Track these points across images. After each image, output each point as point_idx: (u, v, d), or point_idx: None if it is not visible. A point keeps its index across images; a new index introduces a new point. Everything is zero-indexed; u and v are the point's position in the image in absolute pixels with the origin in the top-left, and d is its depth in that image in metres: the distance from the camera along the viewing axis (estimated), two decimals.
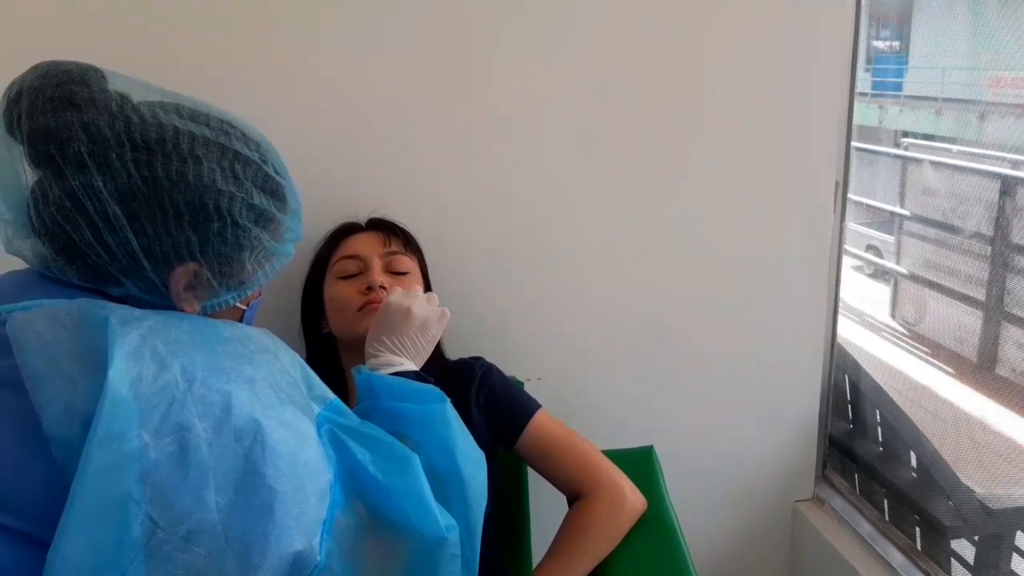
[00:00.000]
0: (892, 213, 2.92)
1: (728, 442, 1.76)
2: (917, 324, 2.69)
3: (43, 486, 0.65)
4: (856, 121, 1.68)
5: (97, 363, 0.65)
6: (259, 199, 0.81)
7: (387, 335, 1.05)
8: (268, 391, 0.74)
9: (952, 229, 2.39)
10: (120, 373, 0.64)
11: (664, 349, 1.66)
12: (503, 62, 1.43)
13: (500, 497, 1.29)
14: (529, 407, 1.25)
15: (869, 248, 3.67)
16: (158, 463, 0.64)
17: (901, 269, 2.92)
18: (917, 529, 1.69)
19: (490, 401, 1.25)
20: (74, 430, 0.64)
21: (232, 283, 0.83)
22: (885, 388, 1.88)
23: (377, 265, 1.25)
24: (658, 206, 1.57)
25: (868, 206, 3.21)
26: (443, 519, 0.81)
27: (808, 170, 1.63)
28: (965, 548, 1.71)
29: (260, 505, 0.68)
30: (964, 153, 2.44)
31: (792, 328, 1.72)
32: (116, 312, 0.70)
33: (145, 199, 0.74)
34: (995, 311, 2.13)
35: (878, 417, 1.89)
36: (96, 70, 0.76)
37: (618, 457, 1.25)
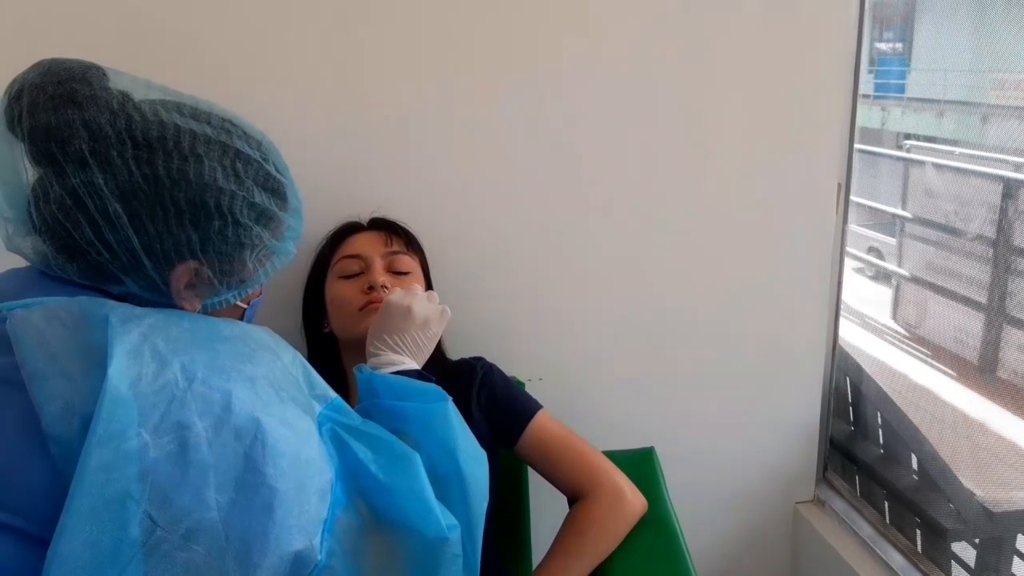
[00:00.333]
0: (894, 215, 2.92)
1: (729, 443, 1.76)
2: (918, 326, 2.69)
3: (43, 485, 0.65)
4: (859, 123, 1.68)
5: (97, 361, 0.65)
6: (260, 197, 0.81)
7: (388, 334, 1.05)
8: (269, 390, 0.74)
9: (954, 231, 2.38)
10: (120, 371, 0.64)
11: (665, 350, 1.66)
12: (505, 62, 1.43)
13: (501, 497, 1.29)
14: (530, 408, 1.25)
15: (871, 250, 3.67)
16: (158, 462, 0.64)
17: (903, 271, 2.91)
18: (918, 531, 1.69)
19: (491, 401, 1.25)
20: (73, 428, 0.64)
21: (233, 281, 0.84)
22: (886, 390, 1.88)
23: (378, 265, 1.25)
24: (660, 207, 1.57)
25: (870, 208, 3.20)
26: (444, 519, 0.81)
27: (810, 172, 1.63)
28: (966, 551, 1.71)
29: (260, 504, 0.68)
30: (966, 155, 2.43)
31: (793, 330, 1.72)
32: (116, 310, 0.71)
33: (146, 197, 0.74)
34: (996, 314, 2.13)
35: (879, 419, 1.89)
36: (97, 68, 0.76)
37: (619, 458, 1.24)
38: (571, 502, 1.22)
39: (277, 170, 0.84)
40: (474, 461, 0.90)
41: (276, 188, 0.84)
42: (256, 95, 1.30)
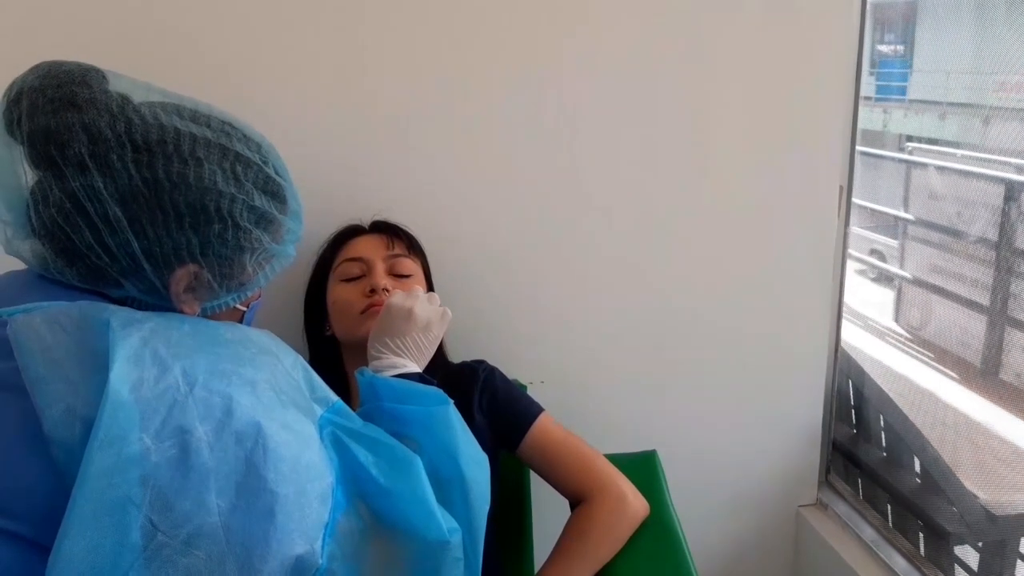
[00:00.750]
0: (896, 217, 2.92)
1: (731, 446, 1.76)
2: (921, 329, 2.68)
3: (44, 490, 0.65)
4: (860, 125, 1.68)
5: (98, 366, 0.65)
6: (260, 201, 0.81)
7: (389, 336, 1.05)
8: (270, 393, 0.74)
9: (956, 234, 2.38)
10: (121, 376, 0.64)
11: (667, 353, 1.66)
12: (506, 64, 1.43)
13: (503, 501, 1.29)
14: (532, 411, 1.25)
15: (873, 252, 3.67)
16: (159, 466, 0.63)
17: (905, 274, 2.91)
18: (920, 535, 1.69)
19: (492, 405, 1.25)
20: (75, 433, 0.64)
21: (232, 285, 0.83)
22: (889, 393, 1.88)
23: (380, 268, 1.25)
24: (662, 210, 1.57)
25: (872, 210, 3.20)
26: (445, 522, 0.81)
27: (812, 174, 1.62)
28: (969, 554, 1.71)
29: (261, 508, 0.67)
30: (968, 157, 2.43)
31: (795, 332, 1.72)
32: (117, 314, 0.70)
33: (146, 201, 0.74)
34: (999, 316, 2.13)
35: (882, 422, 1.88)
36: (97, 71, 0.76)
37: (621, 461, 1.24)
38: (573, 505, 1.22)
39: (277, 173, 0.84)
40: (475, 464, 0.90)
41: (276, 191, 0.84)
42: (257, 98, 1.30)
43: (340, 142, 1.39)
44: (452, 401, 0.93)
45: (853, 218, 1.74)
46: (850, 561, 1.68)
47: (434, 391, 0.94)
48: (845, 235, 1.72)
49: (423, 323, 1.07)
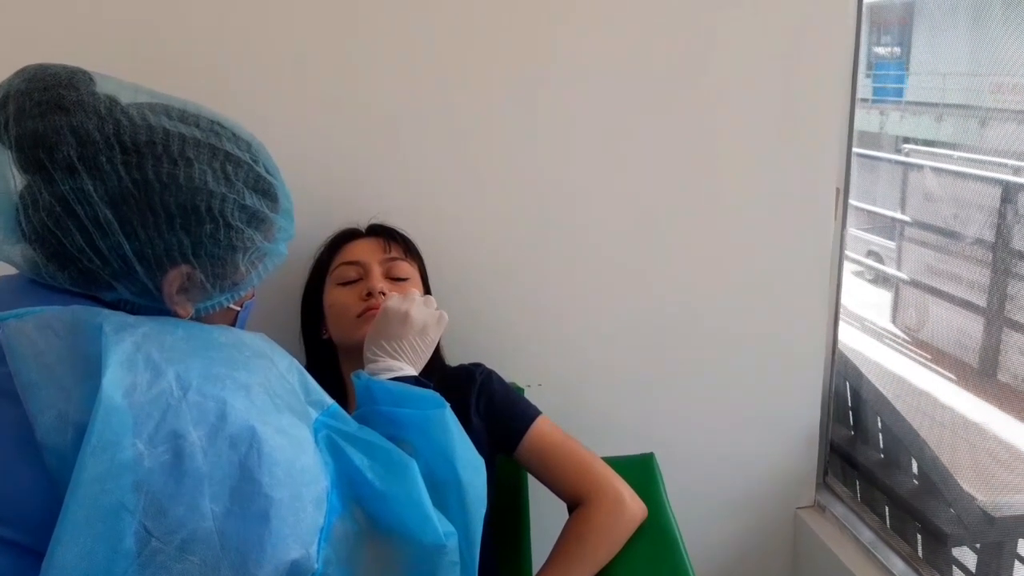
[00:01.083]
0: (893, 219, 2.92)
1: (729, 449, 1.76)
2: (918, 330, 2.68)
3: (37, 496, 0.65)
4: (857, 127, 1.68)
5: (90, 371, 0.65)
6: (251, 200, 0.81)
7: (386, 340, 1.05)
8: (264, 397, 0.73)
9: (953, 235, 2.38)
10: (114, 381, 0.64)
11: (664, 355, 1.66)
12: (503, 67, 1.43)
13: (500, 504, 1.28)
14: (529, 414, 1.25)
15: (870, 254, 3.67)
16: (152, 472, 0.63)
17: (902, 275, 2.91)
18: (918, 536, 1.69)
19: (490, 408, 1.25)
20: (67, 439, 0.63)
21: (225, 284, 0.83)
22: (886, 394, 1.88)
23: (377, 271, 1.25)
24: (660, 213, 1.57)
25: (869, 212, 3.20)
26: (441, 526, 0.81)
27: (809, 176, 1.63)
28: (967, 556, 1.71)
29: (256, 513, 0.67)
30: (965, 159, 2.43)
31: (793, 334, 1.72)
32: (110, 319, 0.70)
33: (136, 202, 0.74)
34: (997, 317, 2.13)
35: (879, 424, 1.88)
36: (84, 73, 0.76)
37: (618, 464, 1.24)
38: (571, 508, 1.21)
39: (267, 171, 0.83)
40: (472, 468, 0.90)
41: (267, 190, 0.83)
42: (254, 102, 1.30)
43: (337, 145, 1.39)
44: (448, 404, 0.93)
45: (850, 220, 1.74)
46: (848, 563, 1.68)
47: (430, 394, 0.94)
48: (842, 237, 1.72)
49: (419, 326, 1.07)
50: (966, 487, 1.70)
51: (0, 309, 0.73)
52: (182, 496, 0.64)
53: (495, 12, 1.40)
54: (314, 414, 0.81)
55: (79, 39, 1.25)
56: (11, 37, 1.25)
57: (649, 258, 1.59)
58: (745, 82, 1.54)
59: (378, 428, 0.87)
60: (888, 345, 2.70)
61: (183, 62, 1.29)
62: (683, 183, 1.56)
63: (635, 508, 1.19)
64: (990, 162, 2.17)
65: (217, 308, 0.85)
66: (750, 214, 1.61)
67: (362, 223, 1.36)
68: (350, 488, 0.78)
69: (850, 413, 1.93)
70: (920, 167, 2.78)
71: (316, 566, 0.71)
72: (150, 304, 0.79)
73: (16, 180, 0.74)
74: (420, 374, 1.06)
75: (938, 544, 1.65)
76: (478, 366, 1.31)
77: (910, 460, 1.81)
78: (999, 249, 2.08)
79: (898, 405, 1.86)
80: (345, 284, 1.25)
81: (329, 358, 1.31)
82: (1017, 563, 1.72)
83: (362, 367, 1.05)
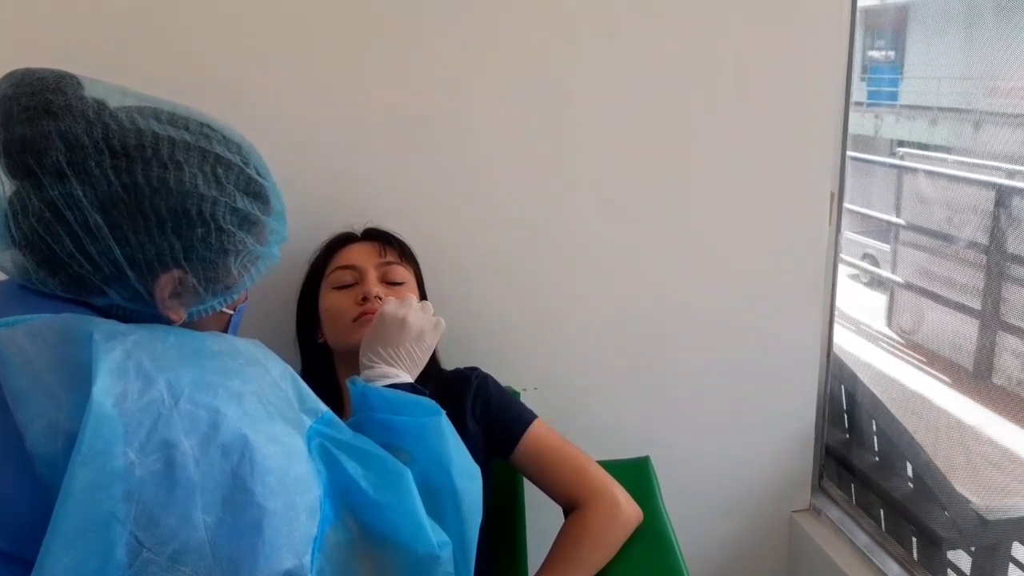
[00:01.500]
0: (888, 222, 2.92)
1: (724, 452, 1.76)
2: (913, 333, 2.69)
3: (27, 505, 0.64)
4: (852, 131, 1.69)
5: (81, 379, 0.64)
6: (242, 202, 0.80)
7: (382, 346, 1.04)
8: (257, 405, 0.73)
9: (948, 238, 2.39)
10: (104, 389, 0.63)
11: (660, 359, 1.66)
12: (498, 69, 1.43)
13: (496, 508, 1.28)
14: (525, 417, 1.25)
15: (865, 257, 3.68)
16: (143, 481, 0.62)
17: (897, 278, 2.92)
18: (913, 540, 1.69)
19: (486, 411, 1.25)
20: (57, 447, 0.63)
21: (218, 288, 0.82)
22: (881, 398, 1.88)
23: (372, 275, 1.25)
24: (654, 216, 1.57)
25: (864, 215, 3.21)
26: (435, 536, 0.80)
27: (804, 180, 1.63)
28: (961, 559, 1.71)
29: (249, 523, 0.66)
30: (959, 162, 2.44)
31: (788, 338, 1.72)
32: (101, 327, 0.69)
33: (126, 207, 0.73)
34: (991, 320, 2.14)
35: (874, 427, 1.89)
36: (71, 77, 0.75)
37: (614, 468, 1.24)
38: (566, 512, 1.21)
39: (258, 174, 0.83)
40: (468, 477, 0.89)
41: (258, 192, 0.82)
42: (249, 106, 1.30)
43: (332, 149, 1.39)
44: (445, 412, 0.93)
45: (845, 223, 1.75)
46: (843, 566, 1.68)
47: (427, 402, 0.94)
48: (837, 241, 1.72)
49: (416, 332, 1.06)
50: (961, 490, 1.70)
51: None
52: (174, 506, 0.63)
53: (492, 16, 1.40)
54: (308, 422, 0.80)
55: (65, 42, 1.24)
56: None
57: (645, 262, 1.59)
58: (739, 86, 1.54)
59: (374, 435, 0.86)
60: (883, 348, 2.71)
61: (174, 64, 1.28)
62: (678, 186, 1.56)
63: (631, 512, 1.19)
64: (984, 165, 2.18)
65: (210, 312, 0.84)
66: (745, 217, 1.61)
67: (358, 227, 1.36)
68: (343, 497, 0.77)
69: (845, 416, 1.93)
70: (914, 170, 2.79)
71: None
72: (142, 309, 0.78)
73: (5, 186, 0.74)
74: (416, 379, 1.06)
75: (933, 547, 1.65)
76: (474, 370, 1.31)
77: (905, 463, 1.81)
78: (993, 252, 2.09)
79: (893, 408, 1.87)
80: (340, 288, 1.25)
81: (324, 362, 1.31)
82: (1012, 566, 1.73)
83: (358, 371, 1.05)
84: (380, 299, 1.21)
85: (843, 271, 1.80)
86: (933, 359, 2.45)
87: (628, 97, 1.49)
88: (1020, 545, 1.73)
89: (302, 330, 1.34)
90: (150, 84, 0.84)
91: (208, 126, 0.80)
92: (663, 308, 1.63)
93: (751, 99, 1.55)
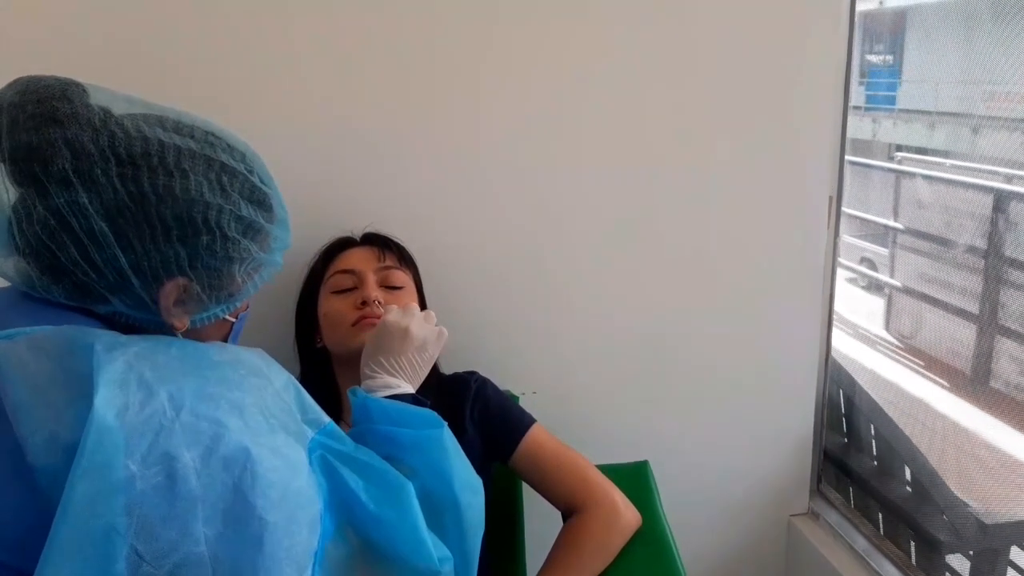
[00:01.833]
0: (886, 226, 2.92)
1: (723, 456, 1.76)
2: (911, 337, 2.69)
3: (19, 513, 0.64)
4: (850, 135, 1.69)
5: (82, 391, 0.64)
6: (247, 210, 0.80)
7: (384, 356, 1.04)
8: (259, 417, 0.72)
9: (946, 242, 2.39)
10: (106, 401, 0.63)
11: (659, 363, 1.66)
12: (496, 74, 1.43)
13: (494, 512, 1.28)
14: (524, 422, 1.25)
15: (863, 260, 3.68)
16: (145, 494, 0.62)
17: (895, 282, 2.91)
18: (912, 544, 1.69)
19: (484, 416, 1.25)
20: (58, 459, 0.62)
21: (222, 296, 0.82)
22: (879, 402, 1.88)
23: (371, 280, 1.25)
24: (653, 220, 1.57)
25: (862, 219, 3.21)
26: (436, 551, 0.80)
27: (802, 184, 1.63)
28: (960, 563, 1.71)
29: (250, 537, 0.66)
30: (957, 167, 2.44)
31: (786, 341, 1.73)
32: (102, 338, 0.69)
33: (132, 215, 0.73)
34: (989, 324, 2.13)
35: (872, 431, 1.89)
36: (77, 84, 0.75)
37: (613, 472, 1.24)
38: (565, 516, 1.21)
39: (262, 181, 0.83)
40: (470, 490, 0.89)
41: (262, 200, 0.82)
42: (248, 110, 1.30)
43: (332, 154, 1.39)
44: (446, 424, 0.92)
45: (843, 226, 1.75)
46: (842, 570, 1.69)
47: (429, 414, 0.93)
48: (835, 245, 1.72)
49: (419, 342, 1.06)
50: (959, 494, 1.70)
51: None
52: (174, 519, 0.63)
53: (488, 23, 1.40)
54: (310, 433, 0.79)
55: (68, 49, 1.25)
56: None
57: (643, 267, 1.59)
58: (738, 90, 1.54)
59: (375, 447, 0.85)
60: (881, 352, 2.70)
61: (176, 72, 1.29)
62: (676, 191, 1.57)
63: (629, 516, 1.19)
64: (982, 170, 2.18)
65: (213, 320, 0.84)
66: (743, 222, 1.61)
67: (357, 231, 1.36)
68: (344, 510, 0.77)
69: (843, 420, 1.93)
70: (912, 175, 2.79)
71: None
72: (146, 317, 0.78)
73: (9, 193, 0.73)
74: (417, 388, 1.06)
75: (932, 551, 1.65)
76: (473, 374, 1.31)
77: (903, 467, 1.81)
78: (991, 256, 2.09)
79: (891, 412, 1.87)
80: (340, 292, 1.25)
81: (323, 367, 1.31)
82: (1010, 570, 1.72)
83: (357, 376, 1.05)
84: (380, 303, 1.21)
85: (841, 274, 1.80)
86: (931, 363, 2.44)
87: (626, 102, 1.50)
88: (1019, 549, 1.73)
89: (301, 334, 1.34)
90: (151, 91, 0.84)
91: (212, 134, 0.80)
92: (662, 312, 1.63)
93: (750, 103, 1.55)
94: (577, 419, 1.55)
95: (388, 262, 1.29)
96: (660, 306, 1.63)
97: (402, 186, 1.44)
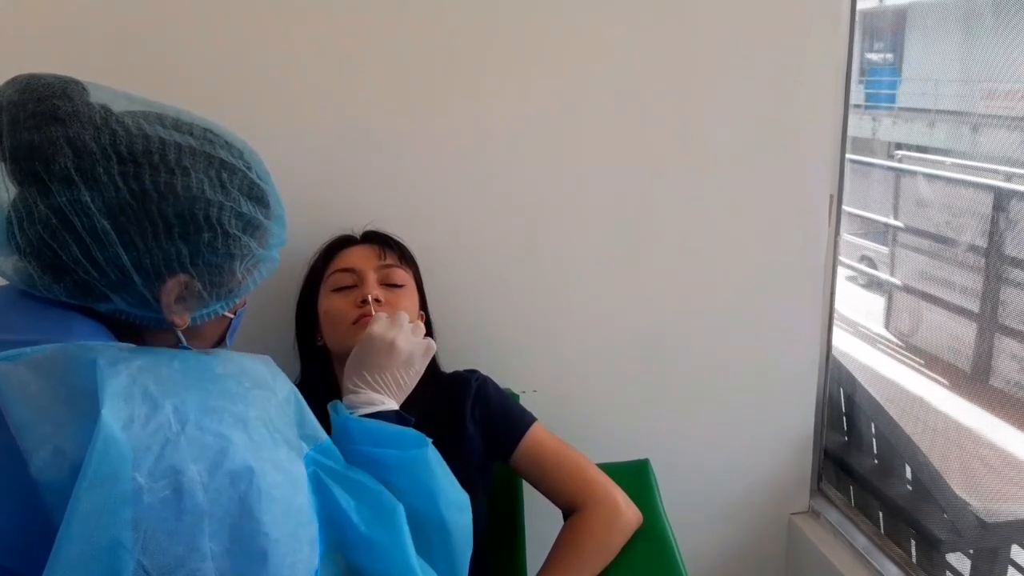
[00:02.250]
0: (886, 225, 2.93)
1: (723, 455, 1.76)
2: (912, 335, 2.69)
3: (12, 517, 0.64)
4: (850, 133, 1.69)
5: (85, 406, 0.63)
6: (247, 207, 0.80)
7: (368, 370, 1.02)
8: (262, 431, 0.72)
9: (946, 241, 2.39)
10: (112, 413, 0.62)
11: (660, 362, 1.66)
12: (497, 73, 1.43)
13: (495, 511, 1.28)
14: (524, 420, 1.25)
15: (863, 259, 3.68)
16: (152, 508, 0.61)
17: (895, 280, 2.92)
18: (912, 542, 1.69)
19: (485, 415, 1.25)
20: (64, 474, 0.61)
21: (222, 292, 0.82)
22: (879, 400, 1.88)
23: (372, 278, 1.24)
24: (653, 219, 1.57)
25: (862, 217, 3.21)
26: (424, 575, 0.79)
27: (803, 183, 1.63)
28: (961, 561, 1.71)
29: (255, 552, 0.65)
30: (957, 165, 2.44)
31: (787, 340, 1.72)
32: (104, 353, 0.68)
33: (134, 213, 0.73)
34: (989, 323, 2.14)
35: (873, 429, 1.89)
36: (76, 82, 0.74)
37: (613, 470, 1.24)
38: (566, 515, 1.21)
39: (260, 178, 0.83)
40: (457, 508, 0.88)
41: (260, 196, 0.82)
42: (248, 108, 1.30)
43: (332, 152, 1.39)
44: (431, 442, 0.91)
45: (843, 225, 1.75)
46: (842, 569, 1.69)
47: (412, 433, 0.92)
48: (835, 243, 1.72)
49: (405, 357, 1.03)
50: (960, 493, 1.70)
51: None
52: (181, 534, 0.62)
53: (488, 23, 1.40)
54: (305, 448, 0.79)
55: (67, 47, 1.24)
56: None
57: (643, 265, 1.59)
58: (738, 89, 1.54)
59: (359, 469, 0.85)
60: (881, 350, 2.71)
61: (176, 71, 1.28)
62: (676, 190, 1.57)
63: (630, 515, 1.19)
64: (982, 168, 2.18)
65: (213, 316, 0.84)
66: (744, 221, 1.61)
67: (357, 229, 1.36)
68: (333, 530, 0.76)
69: (844, 419, 1.93)
70: (912, 173, 2.79)
71: None
72: (147, 315, 0.78)
73: (9, 192, 0.73)
74: (414, 386, 1.05)
75: (932, 550, 1.65)
76: (473, 372, 1.31)
77: (904, 466, 1.81)
78: (991, 255, 2.09)
79: (892, 410, 1.87)
80: (340, 291, 1.25)
81: (323, 365, 1.31)
82: (1011, 569, 1.73)
83: None
84: (379, 302, 1.20)
85: (841, 273, 1.81)
86: (931, 361, 2.45)
87: (627, 101, 1.49)
88: (1019, 548, 1.73)
89: (301, 332, 1.34)
90: (151, 91, 0.84)
91: (211, 131, 0.80)
92: (662, 311, 1.63)
93: (750, 102, 1.55)
94: (577, 418, 1.55)
95: (389, 260, 1.29)
96: (660, 305, 1.63)
97: (403, 185, 1.43)
